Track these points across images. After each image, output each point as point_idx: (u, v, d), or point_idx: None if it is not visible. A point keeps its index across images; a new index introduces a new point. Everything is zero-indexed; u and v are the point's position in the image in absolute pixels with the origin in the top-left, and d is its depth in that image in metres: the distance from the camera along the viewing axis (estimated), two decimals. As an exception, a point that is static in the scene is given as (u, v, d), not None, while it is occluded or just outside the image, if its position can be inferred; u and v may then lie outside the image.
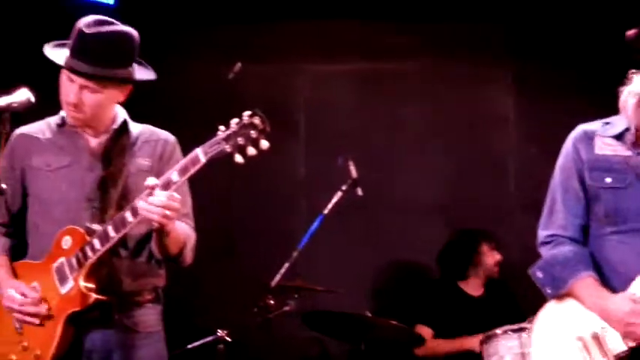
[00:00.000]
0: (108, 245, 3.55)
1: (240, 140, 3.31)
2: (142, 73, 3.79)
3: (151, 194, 3.43)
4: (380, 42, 6.79)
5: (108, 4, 6.37)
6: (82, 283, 3.57)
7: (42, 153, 3.79)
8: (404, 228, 6.68)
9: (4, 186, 3.27)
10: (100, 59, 3.60)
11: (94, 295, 3.57)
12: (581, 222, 3.70)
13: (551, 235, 3.73)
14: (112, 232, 3.53)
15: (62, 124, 3.82)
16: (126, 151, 3.79)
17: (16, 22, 6.24)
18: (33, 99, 3.35)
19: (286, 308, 5.57)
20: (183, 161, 3.45)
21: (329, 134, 6.79)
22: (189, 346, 5.46)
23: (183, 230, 3.74)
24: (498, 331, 5.19)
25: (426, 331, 6.01)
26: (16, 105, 3.30)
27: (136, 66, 3.77)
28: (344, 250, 6.58)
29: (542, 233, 3.79)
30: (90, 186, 3.71)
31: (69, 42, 3.68)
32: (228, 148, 3.33)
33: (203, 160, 3.39)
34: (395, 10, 6.72)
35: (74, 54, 3.60)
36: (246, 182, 6.66)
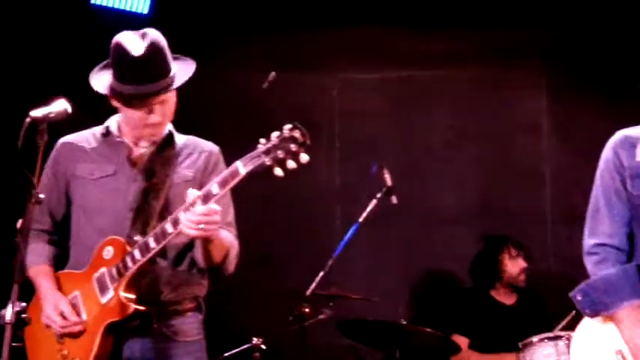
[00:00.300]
0: (148, 256, 3.56)
1: (280, 154, 3.29)
2: (184, 67, 3.78)
3: (191, 206, 3.44)
4: (412, 49, 6.79)
5: (142, 14, 6.43)
6: (122, 294, 3.59)
7: (86, 162, 3.81)
8: (438, 236, 6.68)
9: (41, 195, 3.27)
10: (165, 70, 3.64)
11: (133, 306, 3.59)
12: (627, 229, 3.60)
13: (597, 245, 3.62)
14: (152, 243, 3.54)
15: (107, 134, 3.85)
16: (170, 162, 3.80)
17: (51, 32, 6.30)
18: (70, 109, 3.37)
19: (321, 316, 5.57)
20: (224, 174, 3.44)
21: (363, 142, 6.80)
22: (226, 354, 5.47)
23: (227, 238, 3.75)
24: (535, 338, 5.17)
25: (462, 341, 6.00)
26: (53, 115, 3.31)
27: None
28: (378, 258, 6.58)
29: (587, 242, 3.69)
30: (133, 196, 3.73)
31: (107, 67, 3.70)
32: (268, 161, 3.31)
33: (243, 173, 3.38)
34: (427, 17, 6.72)
35: (140, 80, 3.59)
36: (282, 191, 6.67)
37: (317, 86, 6.87)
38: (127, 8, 6.41)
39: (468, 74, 6.84)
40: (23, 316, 3.16)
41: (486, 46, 6.77)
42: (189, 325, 3.80)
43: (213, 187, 3.44)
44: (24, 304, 3.16)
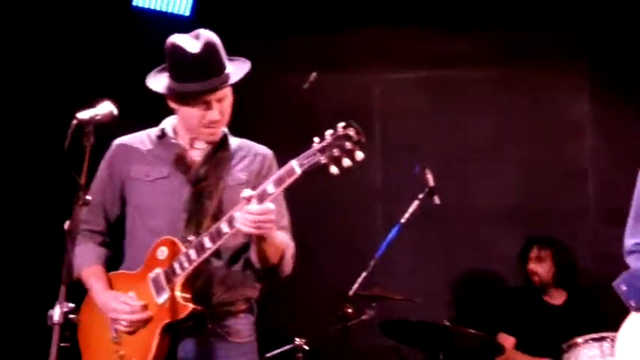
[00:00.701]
0: (204, 256, 3.57)
1: (335, 152, 3.29)
2: (239, 66, 3.81)
3: (247, 205, 3.44)
4: (452, 49, 6.77)
5: (183, 16, 6.46)
6: (178, 294, 3.60)
7: (141, 164, 3.83)
8: (480, 236, 6.64)
9: (88, 197, 3.29)
10: (221, 66, 3.68)
11: (190, 306, 3.59)
12: None
13: (637, 244, 3.63)
14: (207, 243, 3.55)
15: (162, 136, 3.87)
16: (224, 164, 3.81)
17: (95, 36, 6.35)
18: (116, 111, 3.39)
19: (364, 317, 5.56)
20: (279, 173, 3.44)
21: (404, 142, 6.78)
22: (268, 355, 5.48)
23: (282, 239, 3.75)
24: (579, 339, 5.15)
25: (508, 341, 5.97)
26: (99, 118, 3.33)
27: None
28: (421, 258, 6.57)
29: (628, 242, 3.68)
30: (187, 197, 3.74)
31: (163, 70, 3.75)
32: (323, 159, 3.31)
33: (298, 171, 3.38)
34: (467, 17, 6.70)
35: (199, 77, 3.62)
36: (324, 191, 6.67)
37: (358, 86, 6.86)
38: (169, 10, 6.45)
39: (509, 74, 6.80)
40: (71, 316, 3.18)
41: (529, 47, 6.73)
42: (242, 327, 3.81)
43: (269, 186, 3.45)
44: (72, 304, 3.18)
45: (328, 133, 3.34)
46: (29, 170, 5.93)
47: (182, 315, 3.59)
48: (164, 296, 3.63)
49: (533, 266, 6.19)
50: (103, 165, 3.90)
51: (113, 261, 3.91)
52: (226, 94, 3.73)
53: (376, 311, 5.59)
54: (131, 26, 6.42)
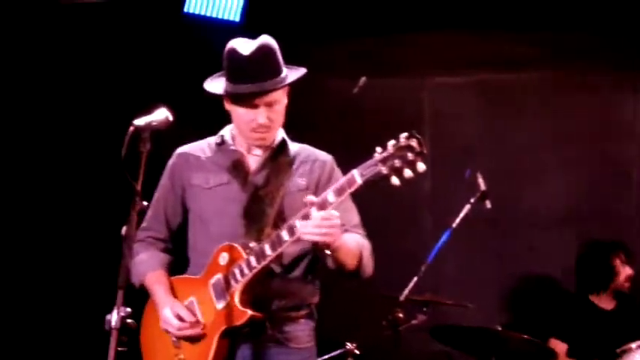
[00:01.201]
0: (264, 263, 3.58)
1: (397, 162, 3.30)
2: (293, 70, 3.82)
3: (308, 214, 3.44)
4: (502, 53, 6.72)
5: (234, 22, 6.49)
6: (237, 300, 3.61)
7: (201, 171, 3.86)
8: (532, 240, 6.60)
9: (145, 203, 3.33)
10: (274, 70, 3.68)
11: (249, 312, 3.60)
12: None
13: None
14: (268, 250, 3.56)
15: (221, 143, 3.89)
16: (283, 170, 3.82)
17: (147, 43, 6.40)
18: (171, 118, 3.42)
19: (415, 322, 5.54)
20: (340, 182, 3.45)
21: (453, 147, 6.75)
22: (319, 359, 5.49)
23: (355, 241, 3.74)
24: (633, 345, 5.10)
25: (560, 347, 5.92)
26: (155, 124, 3.36)
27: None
28: (472, 263, 6.54)
29: None
30: (247, 203, 3.76)
31: (222, 73, 3.76)
32: (384, 170, 3.32)
33: (359, 181, 3.39)
34: (516, 20, 6.65)
35: (249, 79, 3.64)
36: (373, 196, 6.66)
37: (406, 90, 6.85)
38: (219, 16, 6.48)
39: (559, 76, 6.74)
40: (128, 321, 3.21)
41: (578, 48, 6.66)
42: (302, 332, 3.82)
43: (329, 195, 3.45)
44: (129, 309, 3.21)
45: (390, 143, 3.33)
46: (87, 176, 6.00)
47: (240, 322, 3.60)
48: (223, 302, 3.64)
49: (629, 271, 6.11)
50: (165, 174, 3.95)
51: (176, 267, 3.94)
52: (277, 98, 3.72)
53: (427, 316, 5.57)
54: (183, 32, 6.45)
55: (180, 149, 3.95)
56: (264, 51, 3.67)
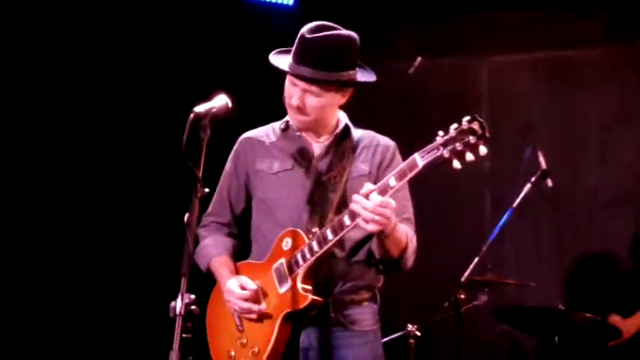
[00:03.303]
0: (326, 247, 3.58)
1: (459, 146, 3.27)
2: (362, 76, 3.79)
3: (366, 198, 3.43)
4: (563, 30, 6.63)
5: (287, 6, 6.48)
6: (300, 285, 3.62)
7: (266, 156, 3.87)
8: (593, 219, 6.53)
9: (207, 190, 3.34)
10: (322, 64, 3.62)
11: (310, 297, 3.60)
12: None
13: None
14: (330, 235, 3.56)
15: (286, 129, 3.88)
16: (347, 155, 3.80)
17: (205, 29, 6.40)
18: (231, 104, 3.42)
19: (476, 302, 5.51)
20: (401, 166, 3.43)
21: (511, 126, 6.70)
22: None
23: (405, 233, 3.71)
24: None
25: (617, 317, 5.84)
26: (215, 111, 3.36)
27: (357, 69, 3.77)
28: (533, 242, 6.49)
29: None
30: (310, 189, 3.76)
31: (291, 48, 3.72)
32: (446, 153, 3.30)
33: (420, 165, 3.36)
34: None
35: (297, 60, 3.64)
36: (432, 178, 6.63)
37: (465, 70, 6.80)
38: (273, 0, 6.48)
39: (619, 53, 6.63)
40: (192, 308, 3.23)
41: (637, 24, 6.56)
42: (366, 315, 3.81)
43: (391, 179, 3.44)
44: (193, 296, 3.22)
45: (453, 127, 3.31)
46: (149, 164, 6.03)
47: (302, 305, 3.61)
48: (286, 286, 3.66)
49: None
50: (230, 159, 3.97)
51: (241, 253, 3.96)
52: (314, 90, 3.67)
53: (489, 297, 5.54)
54: (239, 18, 6.45)
55: (246, 134, 3.95)
56: (327, 41, 3.61)
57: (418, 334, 5.43)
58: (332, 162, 3.80)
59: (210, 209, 3.99)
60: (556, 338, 5.39)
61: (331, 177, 3.77)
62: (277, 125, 3.93)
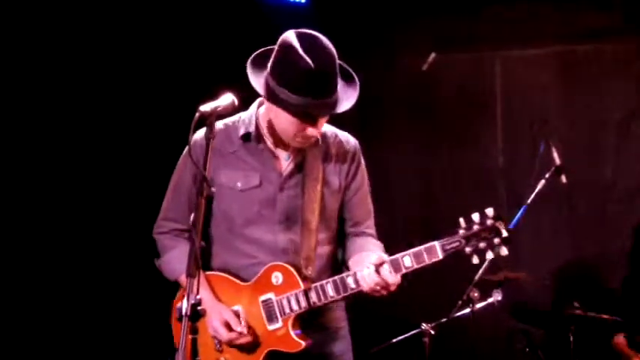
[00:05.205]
0: (324, 302, 3.57)
1: (482, 244, 3.32)
2: (347, 89, 3.59)
3: (378, 270, 3.44)
4: (576, 23, 6.57)
5: (300, 3, 6.43)
6: (292, 330, 3.60)
7: (227, 168, 3.70)
8: (610, 214, 6.48)
9: (213, 189, 3.29)
10: (334, 85, 3.47)
11: (303, 344, 3.59)
12: None
13: None
14: (331, 292, 3.55)
15: (247, 140, 3.69)
16: (316, 168, 3.69)
17: (215, 25, 6.37)
18: (237, 102, 3.37)
19: (490, 300, 5.47)
20: (420, 249, 3.44)
21: (526, 121, 6.64)
22: (395, 340, 5.48)
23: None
24: None
25: (621, 340, 5.77)
26: (221, 109, 3.30)
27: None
28: (548, 239, 6.43)
29: None
30: (284, 208, 3.67)
31: (263, 62, 3.55)
32: (467, 249, 3.35)
33: (440, 256, 3.41)
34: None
35: (309, 93, 3.40)
36: (445, 173, 6.61)
37: (479, 65, 6.75)
38: (287, -3, 6.45)
39: (636, 46, 6.56)
40: (199, 308, 3.18)
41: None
42: (338, 314, 3.83)
43: (406, 259, 3.45)
44: (199, 296, 3.18)
45: (476, 218, 3.35)
46: (153, 163, 5.98)
47: (294, 350, 3.60)
48: (276, 325, 3.62)
49: None
50: (186, 163, 3.71)
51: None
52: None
53: (503, 294, 5.50)
54: (251, 14, 6.41)
55: (198, 138, 3.55)
56: (326, 64, 3.42)
57: (432, 332, 5.41)
58: (303, 178, 3.68)
59: (167, 213, 3.81)
60: (571, 336, 5.34)
61: (301, 192, 3.67)
62: (232, 129, 3.72)
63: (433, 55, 6.17)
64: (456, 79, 6.69)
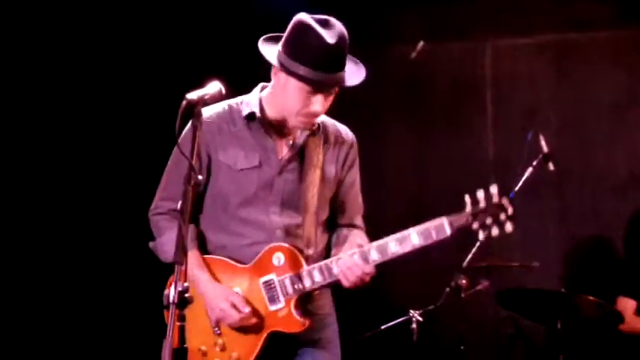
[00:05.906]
0: (329, 282, 3.61)
1: (488, 220, 3.36)
2: (354, 67, 3.70)
3: (366, 259, 3.53)
4: (568, 11, 6.57)
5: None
6: (294, 310, 3.64)
7: (229, 146, 3.74)
8: (598, 202, 6.50)
9: (200, 177, 3.29)
10: (341, 65, 3.56)
11: (306, 323, 3.64)
12: None
13: None
14: (335, 269, 3.59)
15: (251, 119, 3.74)
16: (314, 154, 3.74)
17: (208, 15, 6.37)
18: (224, 91, 3.39)
19: (479, 287, 5.51)
20: (427, 225, 3.48)
21: (517, 110, 6.67)
22: (383, 327, 5.50)
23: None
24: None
25: (630, 304, 5.80)
26: (208, 97, 3.32)
27: None
28: (537, 226, 6.45)
29: None
30: (282, 190, 3.72)
31: (275, 40, 3.64)
32: (475, 225, 3.38)
33: (448, 232, 3.43)
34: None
35: (326, 68, 3.50)
36: (436, 163, 6.63)
37: (468, 54, 6.75)
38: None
39: (628, 36, 6.55)
40: (186, 295, 3.20)
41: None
42: (324, 301, 3.86)
43: (413, 236, 3.50)
44: (186, 284, 3.19)
45: (480, 195, 3.39)
46: (141, 152, 6.00)
47: (296, 330, 3.64)
48: (277, 306, 3.65)
49: None
50: (187, 137, 3.43)
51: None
52: (334, 91, 3.61)
53: (491, 281, 5.54)
54: (239, 3, 6.42)
55: (206, 115, 3.61)
56: (343, 43, 3.52)
57: (420, 319, 5.43)
58: (302, 164, 3.74)
59: (164, 193, 3.81)
60: (559, 322, 5.37)
61: (299, 177, 3.72)
62: (236, 110, 3.77)
63: (422, 43, 6.18)
64: (447, 68, 6.70)
